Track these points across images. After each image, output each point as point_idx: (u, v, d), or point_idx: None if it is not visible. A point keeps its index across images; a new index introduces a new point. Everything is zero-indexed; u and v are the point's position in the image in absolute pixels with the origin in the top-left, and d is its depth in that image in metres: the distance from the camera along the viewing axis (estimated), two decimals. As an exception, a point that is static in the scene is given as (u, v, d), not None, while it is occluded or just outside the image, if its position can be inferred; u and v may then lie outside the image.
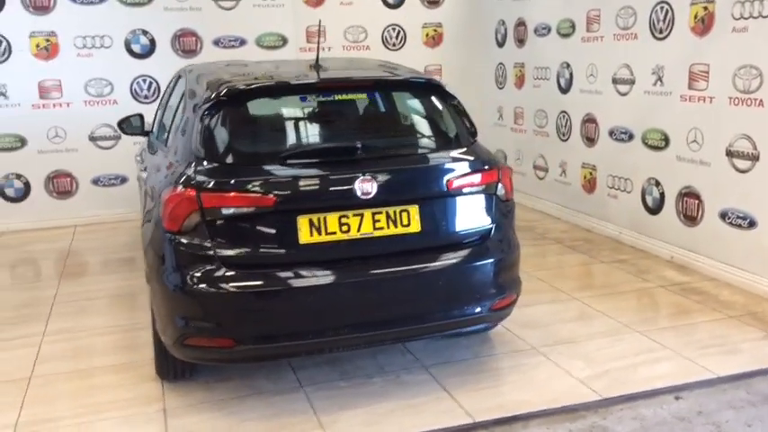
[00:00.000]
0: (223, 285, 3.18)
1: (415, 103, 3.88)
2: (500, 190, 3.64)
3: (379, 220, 3.34)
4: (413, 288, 3.42)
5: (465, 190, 3.52)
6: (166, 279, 3.26)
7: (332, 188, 3.33)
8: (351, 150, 3.40)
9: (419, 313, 3.45)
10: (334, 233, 3.28)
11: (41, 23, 6.98)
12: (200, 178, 3.20)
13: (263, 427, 3.36)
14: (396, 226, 3.37)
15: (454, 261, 3.48)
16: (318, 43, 3.96)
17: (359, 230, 3.32)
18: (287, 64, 4.65)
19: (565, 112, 6.99)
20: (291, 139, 3.70)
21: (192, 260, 3.19)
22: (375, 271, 3.36)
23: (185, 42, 7.45)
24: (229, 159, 3.41)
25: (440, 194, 3.46)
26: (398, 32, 8.13)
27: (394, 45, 8.16)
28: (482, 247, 3.55)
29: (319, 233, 3.26)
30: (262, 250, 3.24)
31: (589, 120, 6.60)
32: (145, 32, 7.30)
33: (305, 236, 3.25)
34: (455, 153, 3.63)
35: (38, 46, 7.03)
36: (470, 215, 3.55)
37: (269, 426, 3.36)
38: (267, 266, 3.25)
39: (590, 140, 6.61)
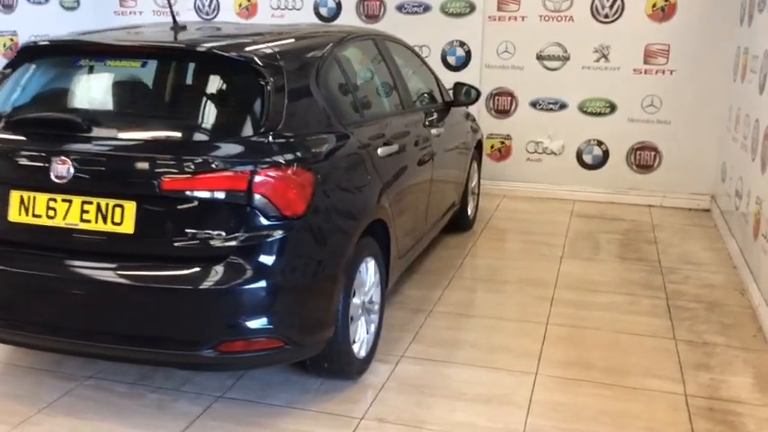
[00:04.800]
0: None
1: (220, 81, 3.11)
2: (258, 201, 2.77)
3: (87, 211, 2.85)
4: (116, 300, 2.84)
5: (197, 193, 2.76)
6: None
7: (33, 165, 2.92)
8: (71, 124, 2.93)
9: (122, 333, 2.86)
10: (40, 216, 2.89)
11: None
12: None
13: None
14: (105, 222, 2.83)
15: (171, 278, 2.79)
16: (170, 5, 3.45)
17: (65, 218, 2.87)
18: (155, 27, 3.89)
19: (757, 121, 4.95)
20: (42, 104, 3.27)
21: None
22: (75, 269, 2.88)
23: (369, 7, 7.18)
24: None
25: (162, 193, 2.77)
26: (614, 0, 6.60)
27: (606, 16, 6.65)
28: (216, 269, 2.76)
29: (27, 213, 2.91)
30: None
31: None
32: (333, -5, 7.25)
33: (14, 213, 2.94)
34: (229, 146, 2.86)
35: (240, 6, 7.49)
36: (207, 226, 2.79)
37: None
38: None
39: None
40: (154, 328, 2.81)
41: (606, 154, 6.96)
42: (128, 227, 2.80)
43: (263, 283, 2.78)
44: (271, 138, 2.89)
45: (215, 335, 2.78)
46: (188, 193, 2.75)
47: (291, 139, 2.96)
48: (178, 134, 2.97)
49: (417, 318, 4.18)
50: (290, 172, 2.83)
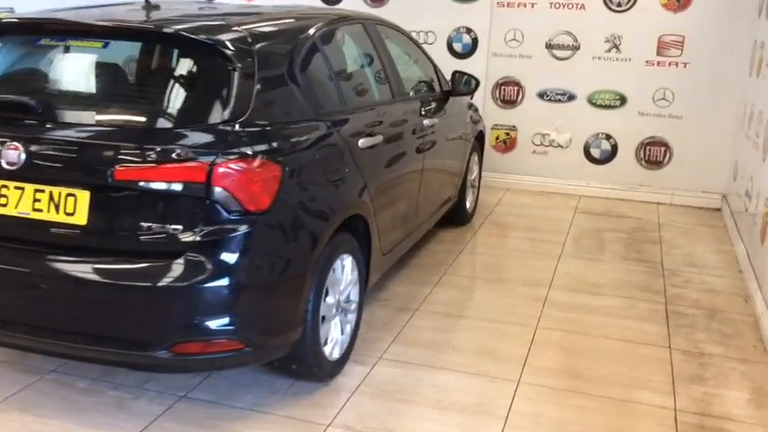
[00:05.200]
0: None
1: (185, 66, 2.94)
2: (218, 195, 2.60)
3: (40, 200, 2.69)
4: (66, 295, 2.69)
5: (152, 184, 2.60)
6: None
7: (-16, 150, 2.76)
8: (25, 107, 2.77)
9: (72, 330, 2.71)
10: (-8, 205, 2.74)
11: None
12: None
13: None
14: (58, 211, 2.67)
15: (122, 273, 2.63)
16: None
17: (17, 207, 2.72)
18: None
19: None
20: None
21: None
22: (25, 261, 2.72)
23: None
24: None
25: (115, 183, 2.61)
26: (627, -11, 6.36)
27: (619, 5, 6.41)
28: (170, 266, 2.60)
29: (-23, 201, 2.76)
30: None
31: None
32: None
33: (-35, 199, 2.78)
34: (191, 134, 2.70)
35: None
36: (163, 220, 2.62)
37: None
38: None
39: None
40: (104, 326, 2.66)
41: (615, 148, 6.72)
42: (80, 218, 2.65)
43: (222, 282, 2.62)
44: (236, 127, 2.72)
45: (169, 335, 2.63)
46: (143, 183, 2.59)
47: (259, 129, 2.79)
48: (138, 120, 2.81)
49: (401, 317, 4.00)
50: (254, 164, 2.66)
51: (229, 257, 2.63)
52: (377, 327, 3.87)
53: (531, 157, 6.96)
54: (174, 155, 2.58)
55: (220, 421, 2.98)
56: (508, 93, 6.91)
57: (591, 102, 6.68)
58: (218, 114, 2.73)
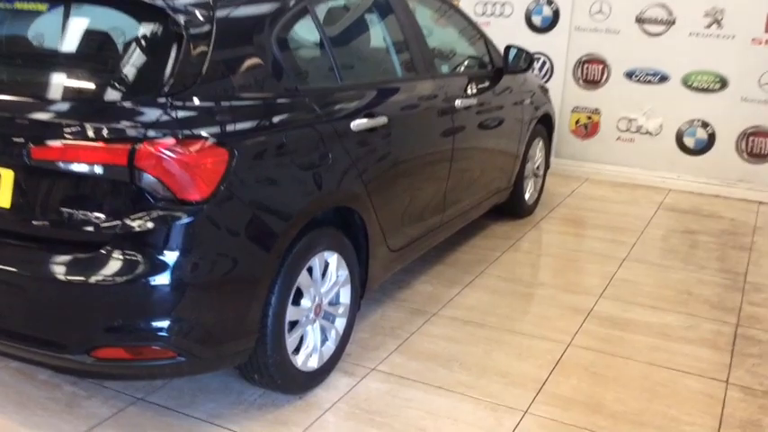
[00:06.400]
0: None
1: (123, 30, 2.53)
2: (144, 181, 2.26)
3: (-34, 179, 2.44)
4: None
5: (72, 166, 2.28)
6: None
7: None
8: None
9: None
10: None
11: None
12: None
13: None
14: (-17, 192, 2.41)
15: (39, 264, 2.34)
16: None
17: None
18: None
19: None
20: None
21: None
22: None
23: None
24: None
25: (34, 163, 2.32)
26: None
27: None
28: (88, 259, 2.29)
29: None
30: None
31: None
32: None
33: None
34: (119, 109, 2.36)
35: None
36: (84, 206, 2.31)
37: None
38: None
39: None
40: (21, 322, 2.38)
41: (712, 138, 5.92)
42: (4, 200, 2.37)
43: (147, 280, 2.27)
44: (176, 102, 2.34)
45: (87, 338, 2.31)
46: (62, 165, 2.27)
47: (207, 105, 2.41)
48: (63, 92, 2.48)
49: (414, 321, 3.55)
50: (190, 146, 2.28)
51: (158, 253, 2.28)
52: (383, 331, 3.44)
53: (615, 145, 6.26)
54: (94, 133, 2.24)
55: (168, 432, 2.66)
56: (591, 72, 6.22)
57: (686, 84, 5.90)
58: (157, 87, 2.37)
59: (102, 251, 2.27)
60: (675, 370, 3.22)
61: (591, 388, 3.05)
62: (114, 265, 2.26)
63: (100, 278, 2.25)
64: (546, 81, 6.15)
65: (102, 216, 2.28)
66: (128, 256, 2.27)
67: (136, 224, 2.27)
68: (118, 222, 2.27)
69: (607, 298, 3.94)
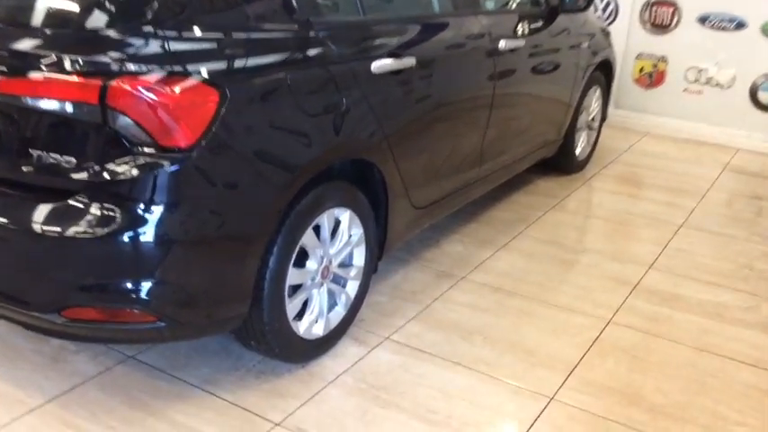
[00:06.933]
0: None
1: None
2: (119, 122, 1.97)
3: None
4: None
5: (41, 102, 2.00)
6: None
7: None
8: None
9: None
10: None
11: None
12: None
13: None
14: (-46, 127, 2.16)
15: (11, 211, 2.10)
16: None
17: None
18: None
19: None
20: None
21: None
22: None
23: None
24: None
25: (11, 100, 2.05)
26: None
27: None
28: (57, 209, 2.04)
29: None
30: None
31: None
32: None
33: None
34: (97, 38, 2.06)
35: None
36: (56, 148, 2.04)
37: None
38: None
39: None
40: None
41: (790, 94, 5.35)
42: (-27, 137, 2.11)
43: (122, 235, 2.01)
44: (162, 31, 2.03)
45: (56, 296, 2.08)
46: (29, 100, 2.00)
47: (198, 36, 2.10)
48: (41, 18, 2.18)
49: (438, 285, 3.25)
50: (172, 85, 1.98)
51: (134, 205, 2.01)
52: (403, 294, 3.15)
53: (682, 97, 5.74)
54: (69, 65, 1.95)
55: (153, 398, 2.44)
56: (660, 15, 5.67)
57: (765, 33, 5.31)
58: (142, 13, 2.05)
59: (72, 201, 2.01)
60: (728, 358, 2.85)
61: (629, 374, 2.71)
62: (85, 217, 2.00)
63: (69, 231, 2.00)
64: (609, 24, 5.63)
65: (73, 161, 2.01)
66: (101, 208, 2.00)
67: (111, 172, 1.99)
68: (91, 169, 2.00)
69: (658, 269, 3.55)
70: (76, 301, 2.08)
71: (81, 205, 2.00)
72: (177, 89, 1.98)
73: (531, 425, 2.41)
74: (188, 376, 2.55)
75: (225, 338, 2.71)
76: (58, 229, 2.00)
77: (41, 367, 2.56)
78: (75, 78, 1.95)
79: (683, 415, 2.50)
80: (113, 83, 1.93)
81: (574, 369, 2.72)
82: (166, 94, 1.96)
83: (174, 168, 2.00)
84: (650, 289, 3.35)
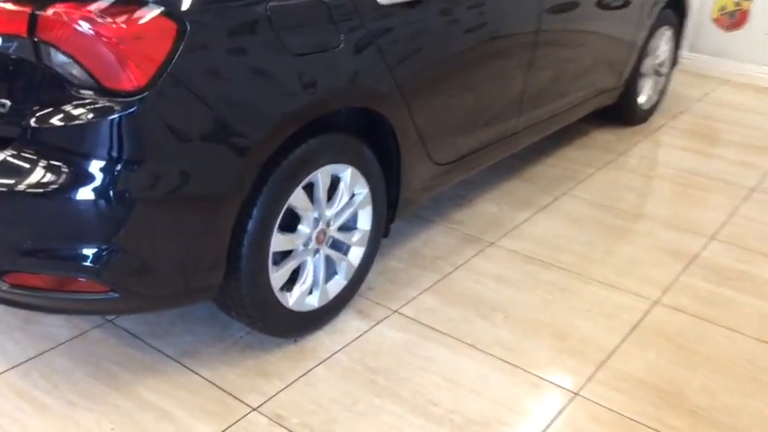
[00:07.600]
0: None
1: None
2: (53, 59, 1.67)
3: None
4: None
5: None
6: None
7: None
8: None
9: None
10: None
11: None
12: None
13: None
14: None
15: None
16: None
17: None
18: None
19: None
20: None
21: None
22: None
23: None
24: None
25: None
26: None
27: None
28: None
29: None
30: None
31: None
32: None
33: None
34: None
35: None
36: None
37: None
38: None
39: None
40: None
41: None
42: None
43: (63, 193, 1.72)
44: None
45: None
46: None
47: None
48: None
49: (463, 251, 2.89)
50: (119, 16, 1.65)
51: (76, 158, 1.72)
52: (422, 261, 2.80)
53: (766, 41, 5.09)
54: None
55: (122, 369, 2.20)
56: (749, -54, 5.00)
57: None
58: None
59: (7, 152, 1.72)
60: (795, 354, 2.42)
61: (672, 368, 2.32)
62: (18, 170, 1.72)
63: (2, 186, 1.72)
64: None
65: (8, 104, 1.72)
66: (37, 160, 1.72)
67: (48, 119, 1.69)
68: (27, 115, 1.71)
69: (721, 240, 3.10)
70: (16, 267, 1.82)
71: (13, 157, 1.72)
72: (124, 20, 1.65)
73: (547, 426, 2.06)
74: (166, 346, 2.29)
75: (214, 306, 2.43)
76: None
77: (11, 329, 2.35)
78: (2, 5, 1.63)
79: (731, 421, 2.11)
80: (45, 11, 1.61)
81: (607, 359, 2.35)
82: (109, 26, 1.64)
83: (120, 115, 1.69)
84: (709, 264, 2.91)
